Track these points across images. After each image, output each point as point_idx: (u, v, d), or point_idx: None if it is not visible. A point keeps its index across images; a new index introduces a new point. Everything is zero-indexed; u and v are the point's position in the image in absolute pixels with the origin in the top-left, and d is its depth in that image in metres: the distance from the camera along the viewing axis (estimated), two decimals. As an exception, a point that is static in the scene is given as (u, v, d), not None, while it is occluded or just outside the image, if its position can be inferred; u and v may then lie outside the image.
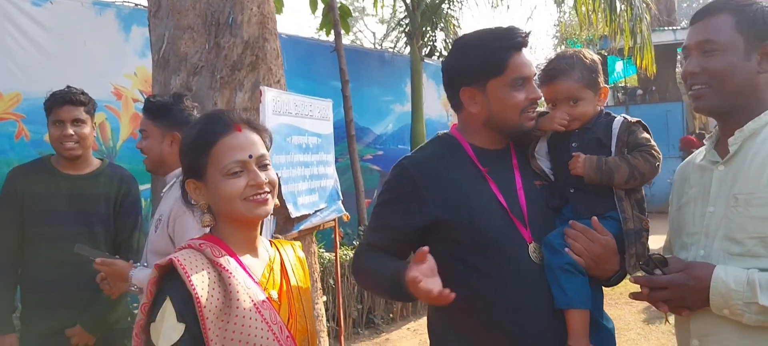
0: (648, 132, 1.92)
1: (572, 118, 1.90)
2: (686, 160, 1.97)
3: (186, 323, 1.42)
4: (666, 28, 15.50)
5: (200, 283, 1.43)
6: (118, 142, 5.44)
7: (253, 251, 1.63)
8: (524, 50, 1.83)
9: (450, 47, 1.95)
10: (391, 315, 6.62)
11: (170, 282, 1.46)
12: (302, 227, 3.89)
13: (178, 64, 3.74)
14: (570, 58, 1.92)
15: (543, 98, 1.97)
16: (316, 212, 4.04)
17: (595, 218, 1.82)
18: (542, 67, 1.99)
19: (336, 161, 4.61)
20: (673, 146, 14.62)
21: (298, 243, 1.89)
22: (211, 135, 1.56)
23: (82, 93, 2.91)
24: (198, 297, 1.41)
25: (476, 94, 1.84)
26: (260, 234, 1.70)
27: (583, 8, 8.18)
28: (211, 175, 1.54)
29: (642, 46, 8.50)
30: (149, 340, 1.43)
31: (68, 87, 2.90)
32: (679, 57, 18.60)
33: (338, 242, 4.87)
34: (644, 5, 8.54)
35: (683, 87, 14.97)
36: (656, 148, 1.90)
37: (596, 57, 1.98)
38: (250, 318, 1.47)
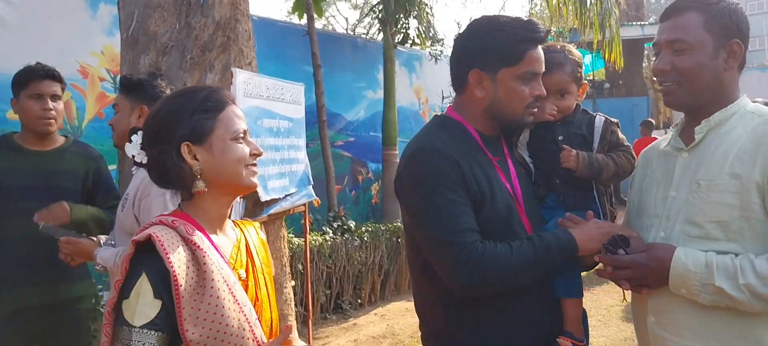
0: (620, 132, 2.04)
1: (558, 111, 1.98)
2: (650, 146, 2.03)
3: (162, 300, 1.40)
4: (634, 23, 15.72)
5: (177, 261, 1.42)
6: (84, 121, 5.33)
7: (222, 229, 1.63)
8: (540, 47, 1.83)
9: (468, 25, 1.91)
10: (359, 301, 6.65)
11: (146, 258, 1.44)
12: (272, 211, 3.88)
13: (147, 44, 3.68)
14: (562, 53, 1.97)
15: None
16: (286, 196, 4.03)
17: (590, 212, 1.89)
18: None
19: (307, 146, 4.60)
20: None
21: (258, 225, 1.87)
22: (219, 101, 1.59)
23: (55, 69, 2.88)
24: (176, 275, 1.40)
25: (485, 79, 1.82)
26: (229, 216, 1.69)
27: (554, 1, 8.26)
28: (218, 138, 1.55)
29: (611, 40, 8.64)
30: (120, 317, 1.40)
31: (38, 63, 2.85)
32: (646, 52, 18.92)
33: (308, 228, 4.87)
34: (614, 0, 8.67)
35: (649, 82, 15.24)
36: (630, 147, 2.01)
37: (578, 53, 2.05)
38: (223, 298, 1.46)
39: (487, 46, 1.80)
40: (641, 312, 1.82)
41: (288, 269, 4.44)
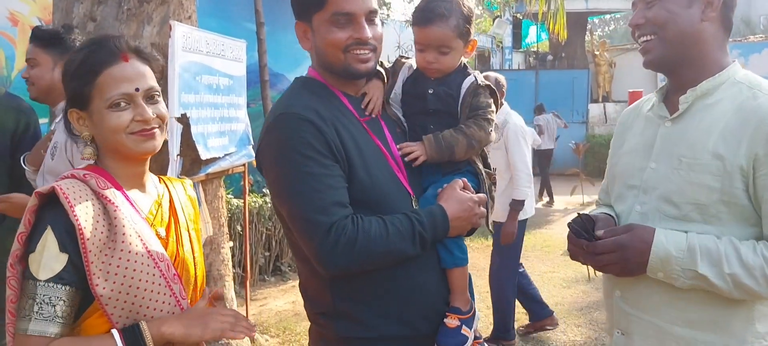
0: (494, 96, 1.86)
1: (437, 67, 1.81)
2: (631, 106, 1.90)
3: (68, 254, 1.36)
4: (579, -4, 16.01)
5: (84, 214, 1.38)
6: (13, 71, 5.08)
7: (140, 186, 1.58)
8: None
9: None
10: (298, 263, 6.65)
11: (51, 211, 1.39)
12: (210, 170, 3.81)
13: (82, -8, 3.53)
14: (448, 2, 1.78)
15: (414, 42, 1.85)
16: (225, 155, 3.96)
17: (464, 179, 1.78)
18: (417, 7, 1.85)
19: (248, 106, 4.51)
20: (578, 113, 15.28)
21: (190, 182, 1.82)
22: (96, 64, 1.46)
23: None
24: (81, 228, 1.36)
25: (307, 30, 1.71)
26: (167, 174, 1.65)
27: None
28: (96, 105, 1.46)
29: (555, 12, 8.75)
30: (27, 271, 1.36)
31: None
32: (589, 26, 19.29)
33: (248, 189, 4.81)
34: (559, -30, 8.78)
35: (591, 56, 15.46)
36: (491, 113, 1.82)
37: (472, 6, 1.88)
38: (136, 253, 1.42)
39: None
40: (609, 286, 1.77)
41: (226, 230, 4.39)
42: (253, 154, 4.45)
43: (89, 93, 1.46)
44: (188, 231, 1.65)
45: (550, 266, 6.74)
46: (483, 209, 1.77)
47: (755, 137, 1.47)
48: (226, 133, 4.01)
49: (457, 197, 1.71)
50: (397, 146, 1.75)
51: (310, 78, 1.76)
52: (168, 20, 3.59)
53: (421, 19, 1.80)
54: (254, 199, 6.10)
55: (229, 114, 4.05)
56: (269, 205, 6.17)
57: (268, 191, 6.49)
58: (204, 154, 3.63)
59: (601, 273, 1.75)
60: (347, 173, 1.61)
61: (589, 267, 1.72)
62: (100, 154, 1.53)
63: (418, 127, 1.84)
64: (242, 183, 4.79)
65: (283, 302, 5.58)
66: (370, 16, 1.67)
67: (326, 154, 1.57)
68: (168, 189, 1.67)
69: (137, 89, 1.47)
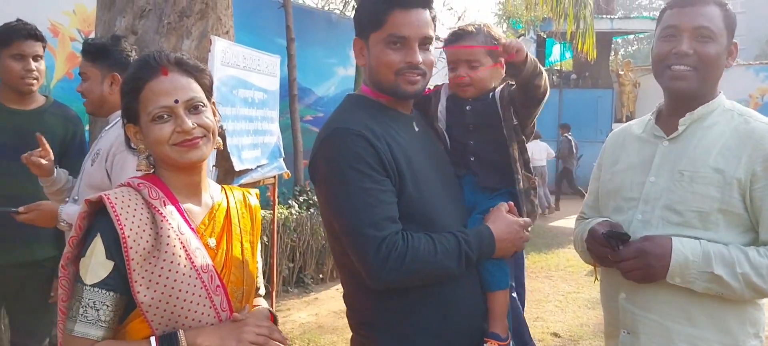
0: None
1: (470, 82, 1.88)
2: (621, 128, 2.08)
3: (114, 262, 1.41)
4: (604, 16, 15.97)
5: (130, 223, 1.42)
6: (53, 80, 5.24)
7: (195, 196, 1.61)
8: (415, 11, 1.70)
9: None
10: (321, 276, 6.70)
11: (102, 219, 1.44)
12: (243, 181, 3.89)
13: (124, 6, 3.64)
14: (476, 26, 1.91)
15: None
16: (257, 167, 4.05)
17: (510, 203, 1.84)
18: (450, 31, 1.99)
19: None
20: (602, 132, 15.20)
21: (254, 192, 1.84)
22: (138, 80, 1.52)
23: (37, 28, 2.83)
24: (124, 236, 1.40)
25: (363, 47, 1.77)
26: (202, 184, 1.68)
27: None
28: (143, 120, 1.53)
29: (585, 32, 8.78)
30: (77, 273, 1.43)
31: (19, 20, 2.80)
32: (613, 45, 19.23)
33: (276, 200, 4.89)
34: (589, -9, 8.83)
35: (615, 75, 15.38)
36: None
37: (498, 32, 1.98)
38: (178, 263, 1.46)
39: (359, 13, 1.77)
40: (612, 289, 1.90)
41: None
42: (284, 167, 4.54)
43: (136, 108, 1.53)
44: (241, 242, 1.67)
45: (574, 286, 6.73)
46: (528, 233, 1.83)
47: (753, 156, 1.70)
48: (259, 146, 4.10)
49: (504, 219, 1.78)
50: (504, 42, 1.77)
51: (362, 95, 1.82)
52: (207, 34, 3.70)
53: (450, 39, 1.92)
54: (280, 210, 6.17)
55: (263, 127, 4.14)
56: (295, 216, 6.25)
57: (294, 203, 6.58)
58: (238, 166, 3.72)
59: (601, 278, 1.95)
60: (398, 188, 1.66)
61: (595, 269, 1.94)
62: (156, 165, 1.58)
63: (459, 145, 1.92)
64: (268, 194, 4.87)
65: (306, 314, 5.63)
66: (424, 42, 1.72)
67: (378, 169, 1.62)
68: (227, 198, 1.70)
69: (176, 101, 1.50)
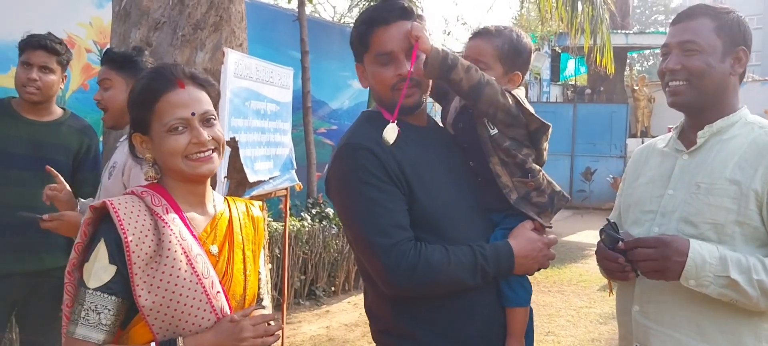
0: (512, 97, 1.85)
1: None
2: (647, 144, 2.10)
3: (117, 266, 1.45)
4: (619, 31, 15.94)
5: (132, 228, 1.46)
6: (68, 92, 5.30)
7: (199, 205, 1.65)
8: (395, 25, 1.72)
9: None
10: (332, 289, 6.69)
11: (105, 225, 1.49)
12: (255, 193, 3.91)
13: (139, 18, 3.69)
14: (504, 28, 1.88)
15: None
16: (270, 179, 4.06)
17: (537, 222, 1.83)
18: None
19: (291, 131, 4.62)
20: (616, 147, 15.14)
21: (257, 203, 1.88)
22: (155, 91, 1.56)
23: (60, 43, 2.87)
24: (127, 241, 1.44)
25: (363, 70, 1.84)
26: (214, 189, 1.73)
27: (546, 8, 8.39)
28: (156, 129, 1.56)
29: (602, 47, 8.77)
30: (81, 279, 1.47)
31: (49, 33, 2.86)
32: (628, 60, 19.17)
33: (288, 212, 4.90)
34: (605, 6, 8.80)
35: (630, 90, 15.44)
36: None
37: (531, 45, 1.95)
38: (180, 269, 1.49)
39: (351, 39, 1.83)
40: (626, 302, 1.91)
41: (266, 252, 4.47)
42: (296, 179, 4.55)
43: (149, 118, 1.56)
44: (243, 251, 1.71)
45: (586, 301, 6.67)
46: (553, 252, 1.85)
47: None
48: (272, 158, 4.11)
49: (527, 236, 1.79)
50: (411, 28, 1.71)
51: (374, 111, 1.88)
52: (220, 47, 3.73)
53: (473, 34, 1.93)
54: (292, 222, 6.18)
55: (275, 139, 4.15)
56: (307, 229, 6.26)
57: (306, 215, 6.59)
58: (251, 177, 3.73)
59: (616, 290, 1.93)
60: (408, 196, 1.70)
61: (610, 282, 1.91)
62: (161, 174, 1.62)
63: (473, 157, 1.90)
64: (280, 206, 4.88)
65: (316, 327, 5.63)
66: (410, 52, 1.72)
67: (385, 179, 1.67)
68: (230, 209, 1.74)
69: (193, 113, 1.55)
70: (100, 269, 1.45)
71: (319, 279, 6.53)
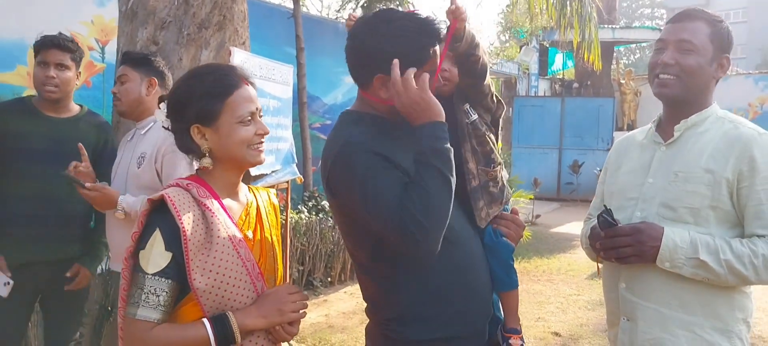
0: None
1: (449, 77, 2.03)
2: (626, 136, 2.30)
3: (172, 252, 1.59)
4: (606, 26, 16.16)
5: (186, 218, 1.60)
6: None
7: (234, 194, 1.79)
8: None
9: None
10: (329, 279, 6.86)
11: (160, 215, 1.62)
12: (257, 186, 4.08)
13: (145, 17, 3.83)
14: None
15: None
16: (272, 172, 4.23)
17: (515, 206, 2.06)
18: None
19: (288, 126, 4.79)
20: (603, 140, 15.39)
21: (273, 192, 2.05)
22: (228, 86, 1.70)
23: (71, 41, 3.02)
24: (184, 230, 1.58)
25: (387, 81, 1.76)
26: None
27: (536, 5, 8.60)
28: (225, 121, 1.69)
29: (590, 43, 8.98)
30: (137, 265, 1.60)
31: (60, 33, 3.01)
32: (615, 54, 19.40)
33: (289, 205, 5.07)
34: (593, 5, 9.01)
35: (616, 84, 15.62)
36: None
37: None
38: (227, 253, 1.65)
39: (390, 52, 1.72)
40: (613, 281, 2.10)
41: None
42: (297, 172, 4.72)
43: (219, 110, 1.69)
44: (271, 235, 1.87)
45: (575, 289, 6.89)
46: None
47: (740, 157, 1.89)
48: (273, 152, 4.28)
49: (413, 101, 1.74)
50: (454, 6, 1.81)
51: (357, 112, 1.90)
52: (224, 45, 3.89)
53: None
54: (291, 215, 6.34)
55: (277, 134, 4.32)
56: (304, 221, 6.43)
57: (303, 207, 6.76)
58: (254, 170, 3.90)
59: (603, 271, 2.12)
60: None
61: (598, 265, 2.10)
62: (213, 164, 1.75)
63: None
64: (282, 199, 5.04)
65: (316, 315, 5.80)
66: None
67: (390, 168, 1.72)
68: (255, 197, 1.90)
69: (257, 109, 1.74)
70: (157, 256, 1.59)
71: (316, 270, 6.70)
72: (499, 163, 2.08)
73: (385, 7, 1.92)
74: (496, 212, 2.03)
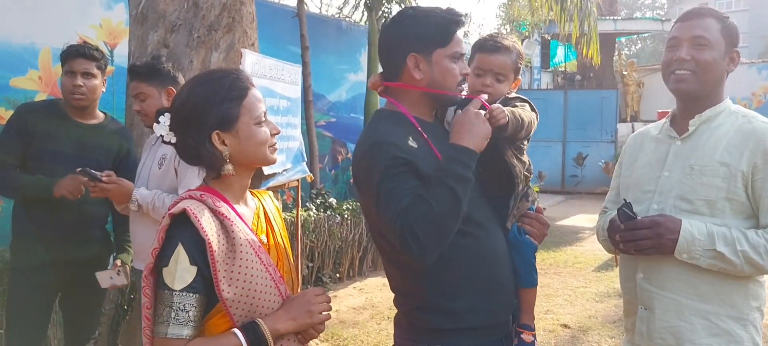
0: (529, 103, 2.10)
1: (492, 92, 2.05)
2: (640, 131, 2.36)
3: (198, 266, 1.54)
4: (607, 17, 16.17)
5: (209, 229, 1.56)
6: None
7: (244, 200, 1.76)
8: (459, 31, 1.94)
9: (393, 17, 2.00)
10: (338, 275, 6.92)
11: (180, 229, 1.57)
12: (269, 185, 4.13)
13: (156, 21, 3.88)
14: (510, 41, 2.11)
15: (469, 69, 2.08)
16: (283, 171, 4.28)
17: (540, 205, 2.10)
18: (485, 37, 2.16)
19: (295, 125, 4.84)
20: (607, 132, 15.43)
21: (272, 194, 2.03)
22: (242, 88, 1.68)
23: (96, 49, 3.08)
24: (209, 242, 1.53)
25: (421, 62, 1.88)
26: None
27: (536, 1, 8.63)
28: (244, 122, 1.66)
29: (588, 37, 9.01)
30: (161, 281, 1.55)
31: (85, 42, 3.07)
32: (617, 46, 19.41)
33: (300, 202, 5.12)
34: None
35: (619, 76, 15.64)
36: (524, 102, 2.09)
37: (521, 48, 2.19)
38: (250, 260, 1.62)
39: (420, 31, 1.89)
40: (631, 271, 2.15)
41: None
42: (307, 170, 4.78)
43: (237, 113, 1.66)
44: (281, 237, 1.86)
45: (582, 281, 6.94)
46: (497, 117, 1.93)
47: (754, 151, 1.95)
48: (284, 151, 4.33)
49: (463, 121, 1.86)
50: (491, 106, 1.90)
51: (389, 110, 1.98)
52: (234, 47, 3.93)
53: (489, 47, 2.09)
54: (300, 212, 6.40)
55: (287, 133, 4.37)
56: (313, 218, 6.49)
57: (311, 205, 6.81)
58: (266, 170, 3.95)
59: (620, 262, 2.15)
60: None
61: (616, 256, 2.06)
62: (213, 175, 1.72)
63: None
64: (285, 198, 5.08)
65: (326, 312, 5.86)
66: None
67: (410, 172, 1.78)
68: (260, 201, 1.88)
69: (265, 111, 1.74)
70: (183, 271, 1.54)
71: (325, 266, 6.75)
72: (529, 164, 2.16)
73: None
74: (523, 210, 2.07)
